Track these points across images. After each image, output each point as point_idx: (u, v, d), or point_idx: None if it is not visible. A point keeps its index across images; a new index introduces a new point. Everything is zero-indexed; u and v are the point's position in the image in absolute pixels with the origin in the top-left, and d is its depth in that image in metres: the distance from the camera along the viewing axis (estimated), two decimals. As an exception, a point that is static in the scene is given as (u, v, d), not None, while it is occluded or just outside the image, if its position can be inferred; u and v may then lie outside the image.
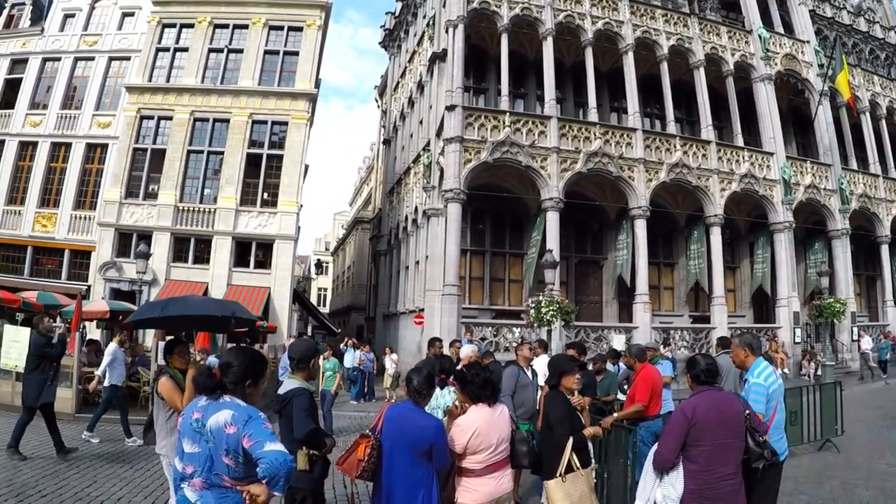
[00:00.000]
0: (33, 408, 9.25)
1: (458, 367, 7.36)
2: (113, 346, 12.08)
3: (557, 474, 4.85)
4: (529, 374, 7.96)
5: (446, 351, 10.89)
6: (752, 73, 26.67)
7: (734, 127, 25.78)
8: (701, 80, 25.39)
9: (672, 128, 24.68)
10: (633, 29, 24.79)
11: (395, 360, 21.19)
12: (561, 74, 25.12)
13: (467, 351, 8.49)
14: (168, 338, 7.67)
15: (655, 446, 4.40)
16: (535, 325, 18.50)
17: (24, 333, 12.73)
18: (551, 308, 17.98)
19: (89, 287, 24.13)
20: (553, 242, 21.11)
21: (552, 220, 21.75)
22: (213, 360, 13.12)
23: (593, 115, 23.62)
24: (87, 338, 18.45)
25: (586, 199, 24.09)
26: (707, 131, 24.98)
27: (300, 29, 26.34)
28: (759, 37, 26.79)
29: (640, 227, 22.95)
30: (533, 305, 18.41)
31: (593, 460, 5.66)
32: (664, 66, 25.02)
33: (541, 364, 8.94)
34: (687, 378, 4.55)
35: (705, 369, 4.39)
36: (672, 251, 27.40)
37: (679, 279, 27.05)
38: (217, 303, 10.00)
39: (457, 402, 4.92)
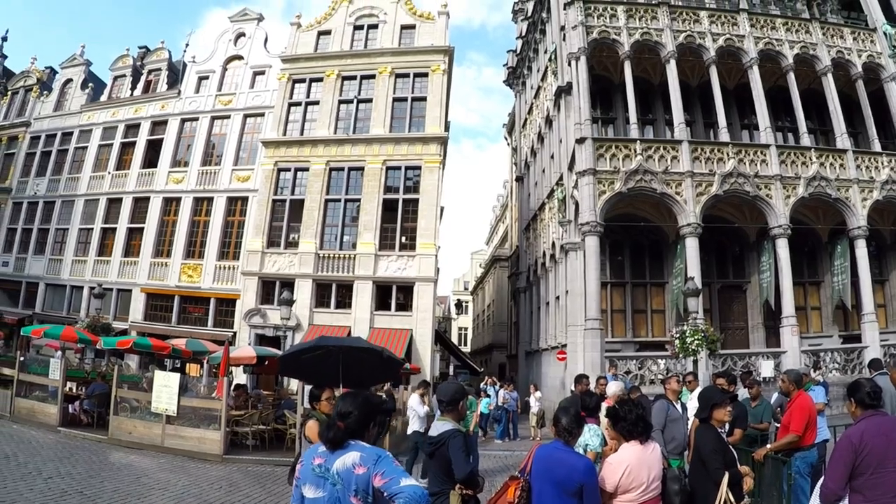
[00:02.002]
0: None
1: (604, 404, 7.47)
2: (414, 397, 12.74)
3: None
4: (679, 407, 7.83)
5: (593, 387, 10.74)
6: (881, 73, 25.25)
7: (869, 132, 24.48)
8: (830, 86, 24.36)
9: (806, 140, 23.76)
10: (754, 42, 24.16)
11: (538, 398, 21.12)
12: (687, 96, 24.60)
13: (614, 389, 8.41)
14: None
15: (821, 480, 4.24)
16: (681, 355, 18.04)
17: (173, 378, 13.64)
18: (696, 337, 17.48)
19: (235, 333, 25.28)
20: (694, 269, 20.61)
21: (691, 247, 21.29)
22: None
23: (724, 135, 23.05)
24: (235, 382, 19.12)
25: (725, 222, 23.55)
26: (842, 140, 23.90)
27: (426, 75, 26.95)
28: (885, 34, 25.43)
29: (782, 247, 22.12)
30: (677, 335, 17.96)
31: (746, 495, 5.50)
32: (791, 77, 24.14)
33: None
34: (849, 403, 4.39)
35: (870, 392, 4.22)
36: (817, 269, 26.28)
37: (826, 298, 25.91)
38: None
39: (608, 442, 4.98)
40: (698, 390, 9.25)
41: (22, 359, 16.84)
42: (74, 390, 16.69)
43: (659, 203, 22.35)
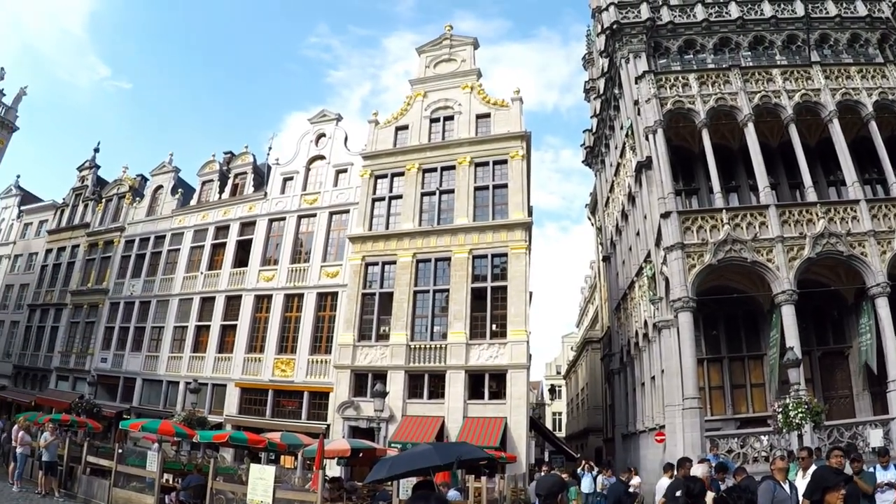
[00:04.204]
0: None
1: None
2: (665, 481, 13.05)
3: None
4: (787, 487, 7.67)
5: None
6: (965, 109, 24.67)
7: (962, 174, 23.79)
8: (915, 129, 23.89)
9: None
10: (831, 94, 23.94)
11: (637, 484, 20.88)
12: (769, 157, 24.45)
13: (702, 471, 8.50)
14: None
15: None
16: (784, 430, 17.30)
17: (268, 471, 13.69)
18: (800, 410, 16.74)
19: (328, 426, 26.06)
20: (792, 338, 20.06)
21: (788, 315, 20.74)
22: (453, 493, 13.74)
23: (811, 195, 22.79)
24: (329, 475, 19.46)
25: (820, 286, 22.97)
26: (934, 185, 23.25)
27: (505, 161, 27.79)
28: (962, 66, 24.93)
29: (882, 307, 21.19)
30: (780, 409, 17.24)
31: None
32: (872, 126, 23.71)
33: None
34: None
35: None
36: (922, 326, 25.41)
37: (934, 356, 25.05)
38: (440, 450, 9.89)
39: None
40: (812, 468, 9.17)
41: (120, 451, 17.65)
42: (171, 482, 17.27)
43: (750, 272, 22.11)
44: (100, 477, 17.80)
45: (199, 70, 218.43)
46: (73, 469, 18.88)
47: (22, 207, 47.76)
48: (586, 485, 20.79)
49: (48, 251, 43.16)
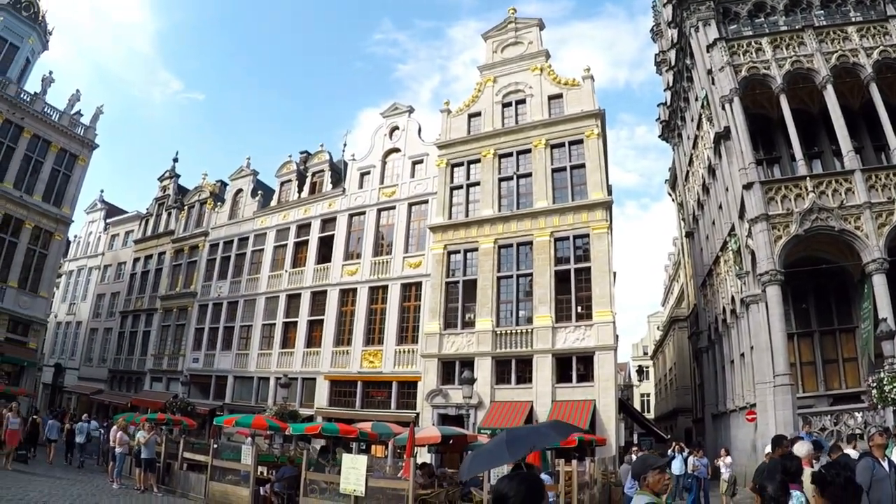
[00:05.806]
0: None
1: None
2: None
3: None
4: (886, 465, 7.48)
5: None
6: None
7: None
8: None
9: None
10: None
11: (729, 464, 20.94)
12: (851, 120, 23.75)
13: (805, 451, 8.15)
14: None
15: None
16: (879, 405, 16.84)
17: (360, 461, 14.32)
18: (895, 385, 16.15)
19: (417, 414, 27.11)
20: (885, 309, 19.27)
21: (879, 285, 20.01)
22: (543, 477, 14.26)
23: None
24: (420, 461, 20.04)
25: None
26: None
27: (580, 141, 28.14)
28: None
29: None
30: (874, 384, 16.70)
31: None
32: None
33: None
34: None
35: None
36: None
37: None
38: (512, 444, 9.46)
39: None
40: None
41: (215, 446, 18.75)
42: (265, 474, 18.00)
43: (838, 241, 21.52)
44: (196, 472, 19.18)
45: (269, 75, 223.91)
46: (171, 465, 20.35)
47: (107, 220, 51.13)
48: (677, 466, 20.76)
49: (136, 260, 45.97)
